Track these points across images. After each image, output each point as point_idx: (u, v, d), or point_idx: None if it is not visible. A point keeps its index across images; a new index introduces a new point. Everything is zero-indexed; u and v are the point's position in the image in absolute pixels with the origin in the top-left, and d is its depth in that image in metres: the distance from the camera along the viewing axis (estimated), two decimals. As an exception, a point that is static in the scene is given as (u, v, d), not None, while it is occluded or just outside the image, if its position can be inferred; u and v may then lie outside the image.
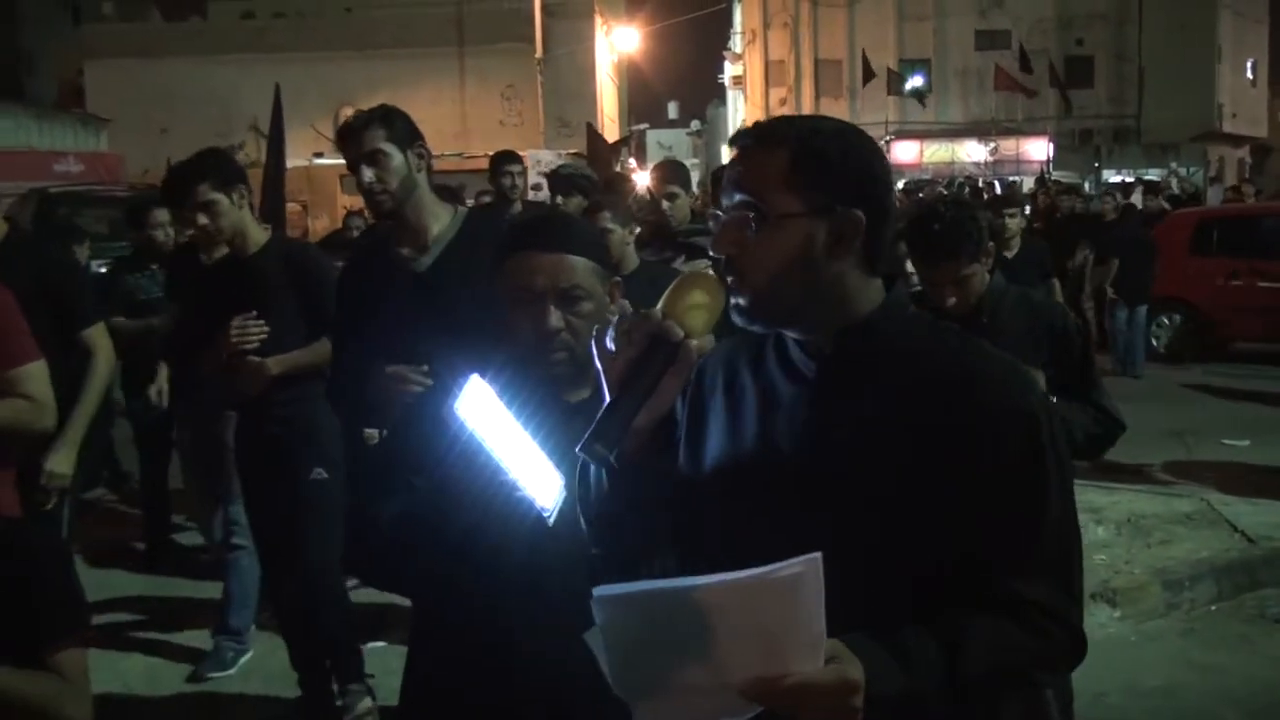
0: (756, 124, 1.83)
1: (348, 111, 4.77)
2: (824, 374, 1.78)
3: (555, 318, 2.24)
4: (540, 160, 15.99)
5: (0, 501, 3.63)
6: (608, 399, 1.71)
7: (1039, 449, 1.73)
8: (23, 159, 17.18)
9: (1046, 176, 28.96)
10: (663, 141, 56.69)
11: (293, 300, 4.40)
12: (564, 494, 1.96)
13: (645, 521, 1.84)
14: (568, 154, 24.62)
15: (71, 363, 4.31)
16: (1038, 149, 38.70)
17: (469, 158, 22.46)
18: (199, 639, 5.53)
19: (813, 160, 1.72)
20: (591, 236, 2.43)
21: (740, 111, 47.34)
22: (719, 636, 1.52)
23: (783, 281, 1.72)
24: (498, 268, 2.30)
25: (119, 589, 6.28)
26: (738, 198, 1.74)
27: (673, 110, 68.77)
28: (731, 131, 47.72)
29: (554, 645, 1.99)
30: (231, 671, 5.24)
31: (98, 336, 4.38)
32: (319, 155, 23.85)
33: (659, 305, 1.71)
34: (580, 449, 1.65)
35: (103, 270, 7.68)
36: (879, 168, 1.80)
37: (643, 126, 51.50)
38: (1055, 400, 3.12)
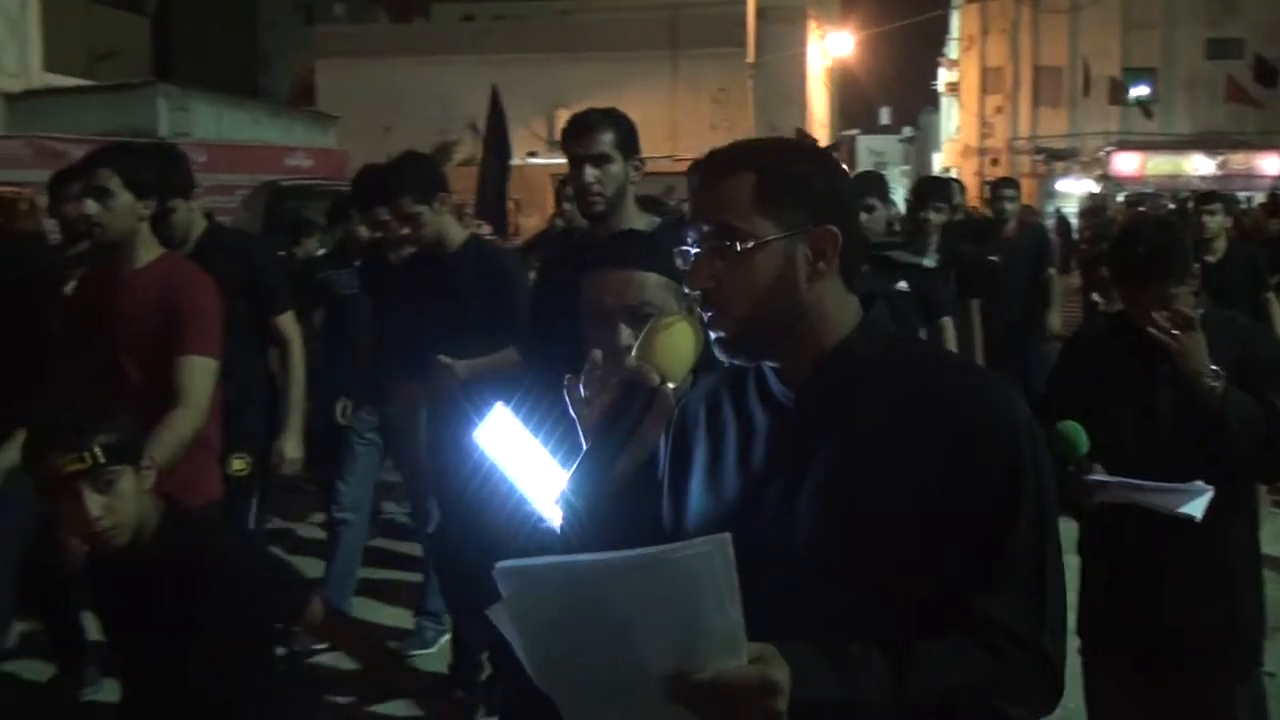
0: (713, 152, 1.77)
1: (562, 112, 4.91)
2: (802, 402, 1.74)
3: (625, 336, 2.21)
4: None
5: (204, 485, 3.79)
6: (584, 448, 1.69)
7: (1013, 464, 1.65)
8: (258, 153, 17.98)
9: (1279, 193, 27.54)
10: (873, 148, 56.05)
11: (484, 302, 4.41)
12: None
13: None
14: None
15: (264, 353, 4.60)
16: (1270, 164, 36.87)
17: (678, 160, 22.63)
18: (401, 618, 5.75)
19: (781, 180, 1.68)
20: (662, 251, 2.28)
21: (954, 119, 46.42)
22: (628, 621, 1.43)
23: (764, 309, 1.68)
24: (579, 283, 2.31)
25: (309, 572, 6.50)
26: (706, 229, 1.70)
27: (884, 116, 67.89)
28: (944, 139, 46.80)
29: None
30: (432, 650, 5.43)
31: (289, 324, 4.63)
32: (532, 155, 24.36)
33: (634, 351, 1.70)
34: (557, 499, 1.64)
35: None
36: (844, 185, 1.77)
37: (853, 132, 50.99)
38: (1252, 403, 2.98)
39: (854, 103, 57.92)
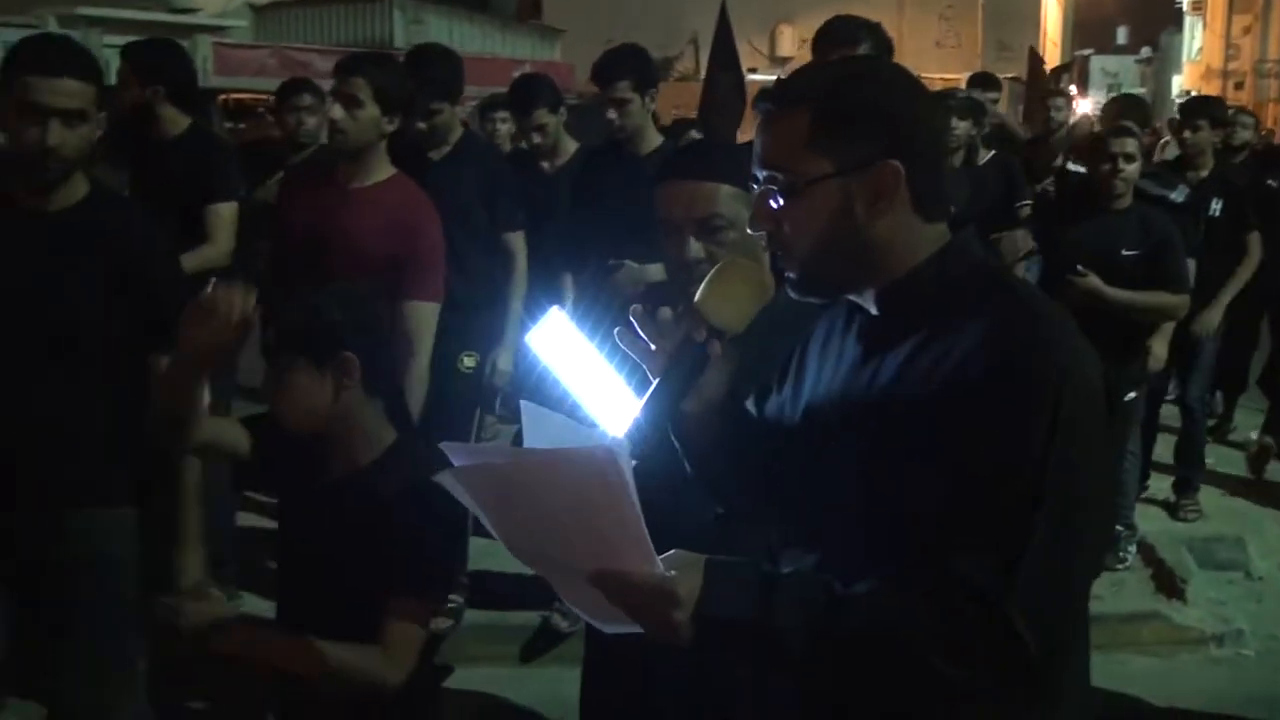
0: (778, 82, 1.69)
1: (785, 29, 4.94)
2: (870, 330, 1.69)
3: (695, 248, 2.20)
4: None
5: None
6: (651, 387, 1.69)
7: (1030, 423, 1.50)
8: (487, 66, 18.41)
9: None
10: (1107, 69, 53.64)
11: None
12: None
13: (743, 480, 1.84)
14: (1006, 78, 23.79)
15: (495, 265, 4.71)
16: None
17: (902, 78, 22.20)
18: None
19: (836, 115, 1.60)
20: (737, 162, 2.12)
21: (1196, 39, 44.04)
22: (548, 515, 1.50)
23: (827, 249, 1.62)
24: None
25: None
26: (764, 173, 1.65)
27: (1121, 35, 64.67)
28: (1185, 61, 44.15)
29: None
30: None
31: (518, 241, 4.76)
32: (753, 70, 24.25)
33: (696, 298, 1.67)
34: (626, 434, 1.63)
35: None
36: (917, 109, 1.66)
37: (1087, 52, 48.89)
38: None
39: (1090, 20, 55.48)
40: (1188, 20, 47.69)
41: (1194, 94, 32.06)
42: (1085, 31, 53.55)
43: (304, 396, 2.37)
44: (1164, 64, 54.23)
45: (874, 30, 3.55)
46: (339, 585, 2.37)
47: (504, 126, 6.65)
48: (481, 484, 1.55)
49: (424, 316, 3.74)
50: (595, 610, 1.55)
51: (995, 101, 7.35)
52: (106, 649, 3.00)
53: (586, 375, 1.95)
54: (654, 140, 4.72)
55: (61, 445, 2.92)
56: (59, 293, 2.86)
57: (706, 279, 1.68)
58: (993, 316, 1.58)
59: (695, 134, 7.28)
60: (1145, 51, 60.35)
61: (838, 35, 3.51)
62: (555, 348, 2.00)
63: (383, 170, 3.82)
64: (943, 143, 1.69)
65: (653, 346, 1.72)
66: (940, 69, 23.91)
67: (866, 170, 1.59)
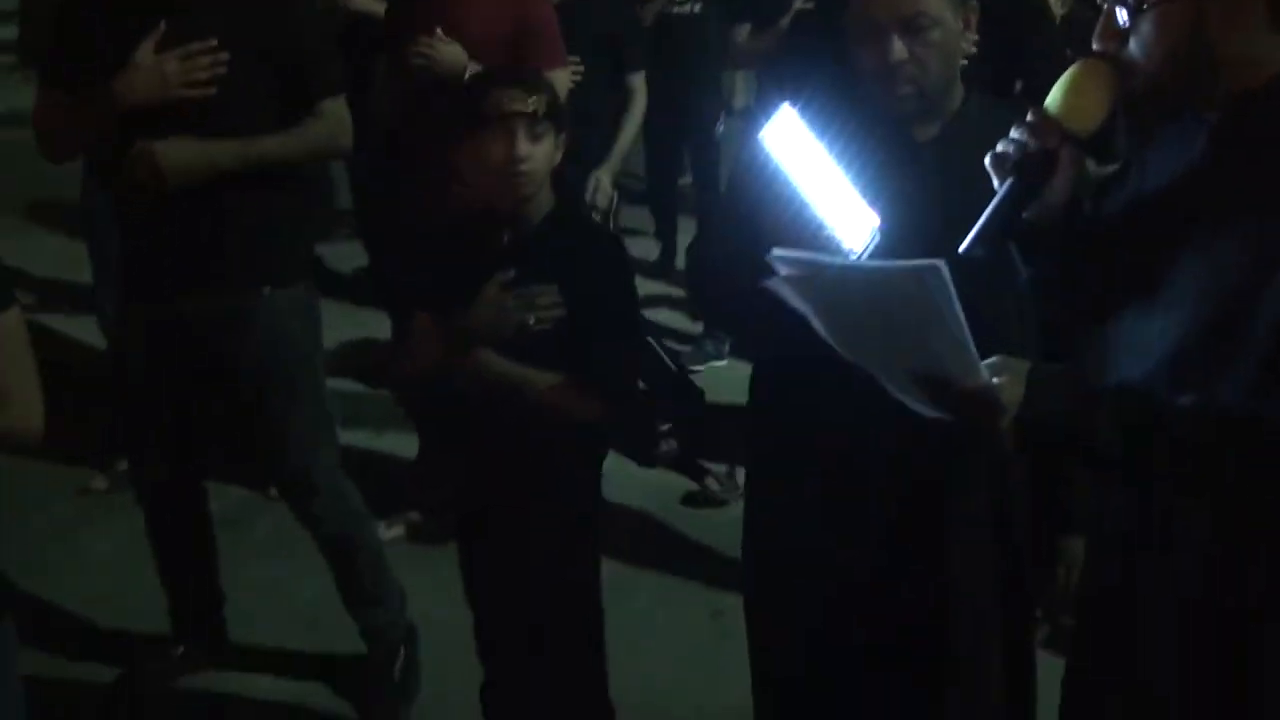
0: None
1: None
2: (1210, 144, 1.63)
3: (899, 49, 2.09)
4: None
5: None
6: (996, 199, 1.65)
7: None
8: None
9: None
10: None
11: None
12: (876, 236, 1.87)
13: (1073, 288, 1.80)
14: None
15: (618, 104, 4.85)
16: None
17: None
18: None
19: None
20: None
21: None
22: (875, 323, 1.62)
23: (1174, 65, 1.59)
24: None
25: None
26: None
27: None
28: None
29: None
30: (721, 363, 5.58)
31: (639, 83, 4.88)
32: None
33: (1047, 103, 1.64)
34: (962, 251, 1.62)
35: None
36: None
37: None
38: None
39: None
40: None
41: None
42: None
43: (549, 160, 2.53)
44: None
45: None
46: (531, 338, 2.50)
47: None
48: (812, 290, 1.65)
49: (559, 81, 3.60)
50: (921, 403, 1.65)
51: None
52: (305, 410, 3.22)
53: (820, 178, 1.91)
54: None
55: (239, 229, 3.05)
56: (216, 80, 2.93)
57: (1059, 83, 1.64)
58: None
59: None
60: None
61: None
62: (787, 147, 1.94)
63: None
64: None
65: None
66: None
67: None
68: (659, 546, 4.15)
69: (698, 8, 5.98)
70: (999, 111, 2.05)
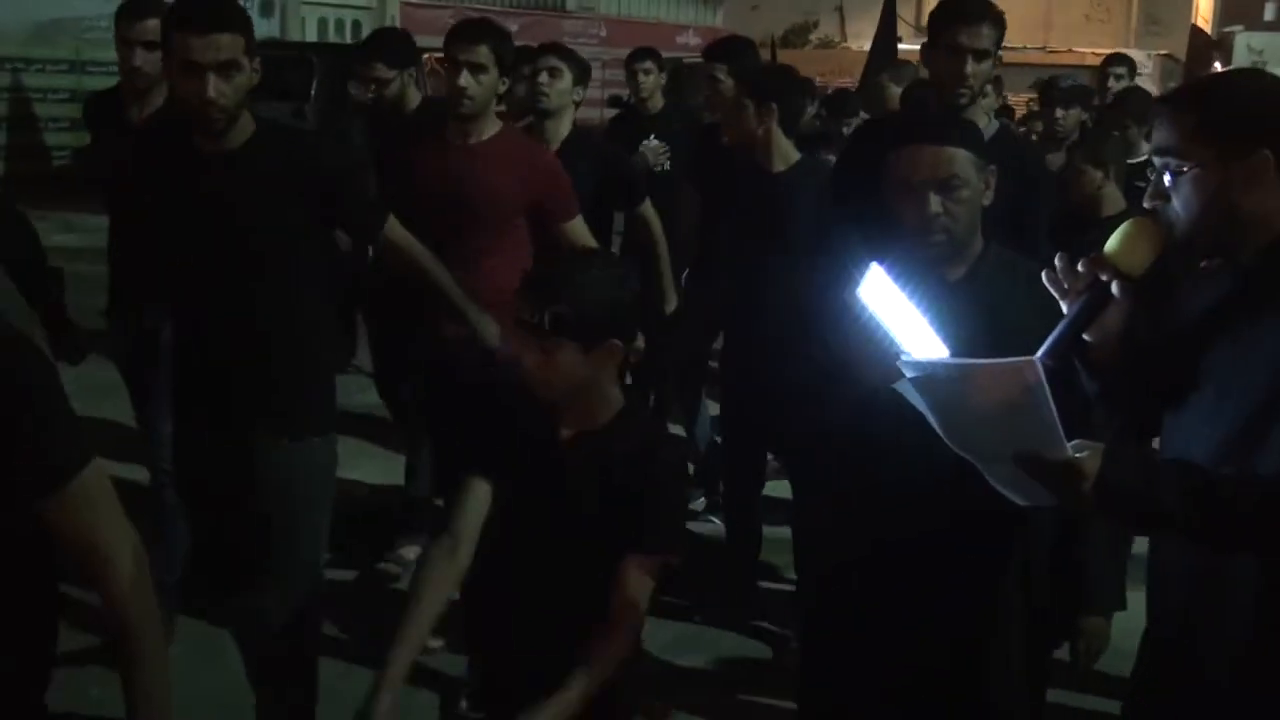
0: (1174, 89, 2.15)
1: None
2: (1243, 286, 1.97)
3: (935, 203, 2.49)
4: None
5: None
6: (1063, 321, 1.97)
7: None
8: (653, 30, 19.00)
9: None
10: (1253, 45, 52.21)
11: None
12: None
13: (1134, 396, 2.11)
14: (1157, 55, 23.62)
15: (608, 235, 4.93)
16: None
17: (1050, 52, 22.49)
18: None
19: (1219, 114, 1.93)
20: (970, 130, 2.69)
21: (1356, 17, 42.76)
22: (982, 413, 1.88)
23: (1204, 221, 1.92)
24: (886, 159, 2.58)
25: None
26: (1158, 160, 1.99)
27: (1269, 12, 62.67)
28: (1341, 39, 41.00)
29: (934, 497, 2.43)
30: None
31: (649, 211, 5.02)
32: (899, 40, 24.57)
33: (1106, 247, 1.95)
34: (1038, 358, 1.87)
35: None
36: None
37: (1235, 28, 47.90)
38: None
39: (1244, -5, 53.92)
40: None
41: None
42: (1233, 6, 52.39)
43: (569, 373, 2.42)
44: (1320, 41, 52.48)
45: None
46: (573, 541, 2.45)
47: (648, 78, 6.76)
48: (932, 388, 1.92)
49: (580, 229, 4.09)
50: (1017, 487, 1.92)
51: (1120, 78, 7.33)
52: (299, 566, 3.32)
53: (902, 318, 2.14)
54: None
55: (264, 372, 3.21)
56: (246, 221, 3.12)
57: (1117, 232, 1.97)
58: None
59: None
60: (1298, 28, 58.22)
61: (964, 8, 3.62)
62: (880, 300, 2.18)
63: (494, 123, 4.05)
64: None
65: (1065, 286, 1.99)
66: (1090, 43, 24.02)
67: (1241, 158, 1.90)
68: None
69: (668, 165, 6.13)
70: (1012, 256, 2.61)
